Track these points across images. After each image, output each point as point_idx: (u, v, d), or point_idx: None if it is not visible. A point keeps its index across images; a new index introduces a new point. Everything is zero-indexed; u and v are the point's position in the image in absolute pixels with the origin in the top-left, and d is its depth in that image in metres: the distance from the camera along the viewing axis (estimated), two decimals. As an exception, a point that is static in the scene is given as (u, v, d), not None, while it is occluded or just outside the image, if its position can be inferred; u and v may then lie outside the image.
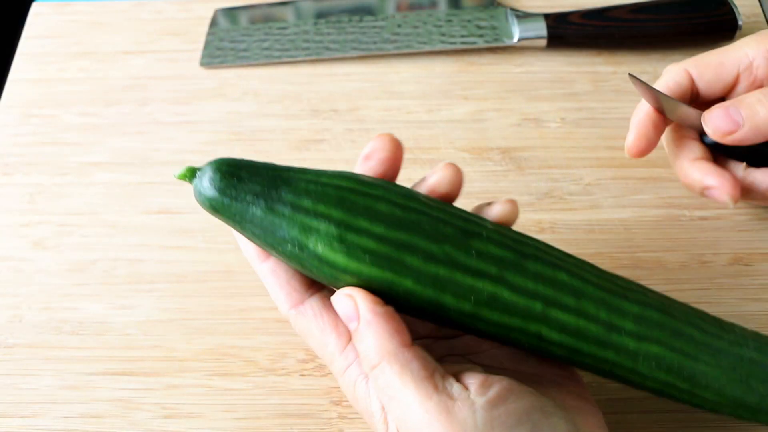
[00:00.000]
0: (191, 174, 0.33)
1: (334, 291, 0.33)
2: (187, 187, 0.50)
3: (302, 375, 0.42)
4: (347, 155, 0.51)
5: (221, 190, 0.32)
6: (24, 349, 0.44)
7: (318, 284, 0.35)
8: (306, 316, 0.34)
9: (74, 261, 0.47)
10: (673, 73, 0.42)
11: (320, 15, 0.58)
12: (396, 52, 0.56)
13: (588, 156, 0.50)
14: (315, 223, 0.31)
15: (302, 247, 0.31)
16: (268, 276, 0.34)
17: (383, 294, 0.32)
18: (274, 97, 0.54)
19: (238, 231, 0.33)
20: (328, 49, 0.56)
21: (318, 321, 0.33)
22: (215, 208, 0.32)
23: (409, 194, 0.33)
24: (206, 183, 0.32)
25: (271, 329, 0.44)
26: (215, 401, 0.41)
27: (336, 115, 0.53)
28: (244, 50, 0.56)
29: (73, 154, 0.52)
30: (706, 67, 0.42)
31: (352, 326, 0.31)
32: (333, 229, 0.31)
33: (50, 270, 0.47)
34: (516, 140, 0.51)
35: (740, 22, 0.53)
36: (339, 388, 0.41)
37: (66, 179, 0.51)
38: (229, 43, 0.57)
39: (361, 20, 0.58)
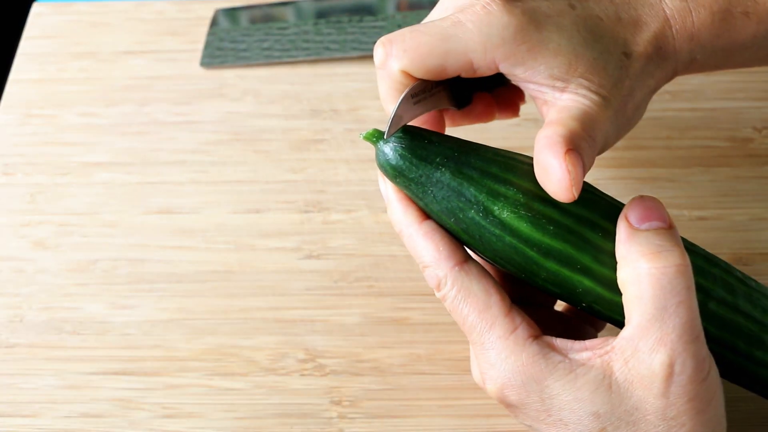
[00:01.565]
0: (378, 135, 0.33)
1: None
2: (187, 187, 0.50)
3: (302, 375, 0.42)
4: (347, 155, 0.51)
5: (411, 149, 0.32)
6: (24, 349, 0.44)
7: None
8: (470, 274, 0.33)
9: (75, 261, 0.47)
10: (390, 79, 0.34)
11: (320, 15, 0.58)
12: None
13: (587, 156, 0.50)
14: (503, 188, 0.32)
15: (487, 213, 0.32)
16: (430, 234, 0.33)
17: (558, 272, 0.32)
18: (274, 97, 0.54)
19: (416, 196, 0.33)
20: (328, 49, 0.56)
21: (483, 280, 0.33)
22: (399, 168, 0.32)
23: None
24: (394, 143, 0.32)
25: (271, 329, 0.44)
26: (215, 401, 0.42)
27: (336, 115, 0.53)
28: (244, 50, 0.57)
29: (74, 154, 0.52)
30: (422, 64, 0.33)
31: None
32: (520, 197, 0.32)
33: (51, 270, 0.47)
34: (516, 140, 0.51)
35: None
36: (339, 388, 0.42)
37: (66, 179, 0.51)
38: (229, 43, 0.57)
39: (361, 20, 0.58)
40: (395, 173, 0.32)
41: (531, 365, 0.31)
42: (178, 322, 0.44)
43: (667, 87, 0.53)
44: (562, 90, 0.33)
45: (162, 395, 0.42)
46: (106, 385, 0.42)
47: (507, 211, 0.31)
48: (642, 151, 0.50)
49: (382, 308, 0.44)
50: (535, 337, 0.32)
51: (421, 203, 0.33)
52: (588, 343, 0.32)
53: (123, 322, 0.44)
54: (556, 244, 0.31)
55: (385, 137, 0.32)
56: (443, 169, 0.32)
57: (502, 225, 0.32)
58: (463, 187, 0.32)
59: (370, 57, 0.56)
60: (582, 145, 0.31)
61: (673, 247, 0.31)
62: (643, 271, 0.30)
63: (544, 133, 0.31)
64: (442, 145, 0.32)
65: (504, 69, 0.33)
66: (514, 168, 0.32)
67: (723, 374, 0.33)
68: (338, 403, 0.41)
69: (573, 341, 0.32)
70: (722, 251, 0.46)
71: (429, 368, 0.42)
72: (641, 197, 0.32)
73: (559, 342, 0.32)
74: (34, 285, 0.46)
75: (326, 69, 0.56)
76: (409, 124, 0.33)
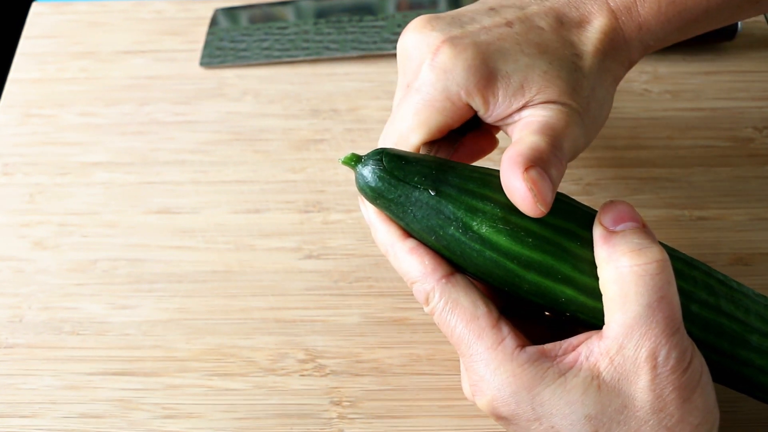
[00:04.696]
0: (356, 159, 0.33)
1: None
2: (187, 187, 0.50)
3: (302, 375, 0.42)
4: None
5: (389, 171, 0.33)
6: (24, 349, 0.44)
7: None
8: (458, 286, 0.33)
9: (74, 261, 0.47)
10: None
11: (320, 15, 0.58)
12: (396, 52, 0.56)
13: (588, 156, 0.50)
14: (480, 204, 0.32)
15: (466, 229, 0.32)
16: (415, 249, 0.34)
17: (539, 282, 0.32)
18: (274, 97, 0.54)
19: (396, 216, 0.33)
20: (328, 49, 0.56)
21: (470, 292, 0.33)
22: (379, 190, 0.33)
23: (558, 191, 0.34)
24: (372, 166, 0.33)
25: (271, 329, 0.44)
26: (215, 401, 0.41)
27: (336, 115, 0.53)
28: (244, 50, 0.56)
29: (74, 154, 0.52)
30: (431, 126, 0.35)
31: None
32: (498, 211, 0.32)
33: (50, 270, 0.47)
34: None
35: (740, 23, 0.53)
36: (339, 388, 0.41)
37: (66, 179, 0.51)
38: (229, 43, 0.57)
39: (361, 20, 0.58)
40: (375, 195, 0.33)
41: (521, 374, 0.31)
42: (177, 322, 0.44)
43: (667, 87, 0.53)
44: (521, 109, 0.33)
45: (161, 396, 0.42)
46: (105, 386, 0.42)
47: (486, 226, 0.32)
48: (643, 151, 0.50)
49: (382, 308, 0.44)
50: (523, 346, 0.32)
51: (402, 223, 0.33)
52: (574, 340, 0.32)
53: (122, 322, 0.44)
54: (535, 256, 0.32)
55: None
56: (421, 189, 0.32)
57: (482, 240, 0.32)
58: (442, 205, 0.32)
59: (370, 57, 0.56)
60: (546, 158, 0.32)
61: (651, 243, 0.31)
62: (625, 269, 0.30)
63: (507, 154, 0.32)
64: (419, 165, 0.33)
65: (475, 106, 0.34)
66: (491, 183, 0.33)
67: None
68: (338, 403, 0.41)
69: (560, 342, 0.32)
70: (723, 251, 0.46)
71: (429, 368, 0.42)
72: (612, 201, 0.33)
73: (547, 346, 0.32)
74: (34, 285, 0.46)
75: (326, 69, 0.56)
76: (389, 146, 0.34)
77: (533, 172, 0.31)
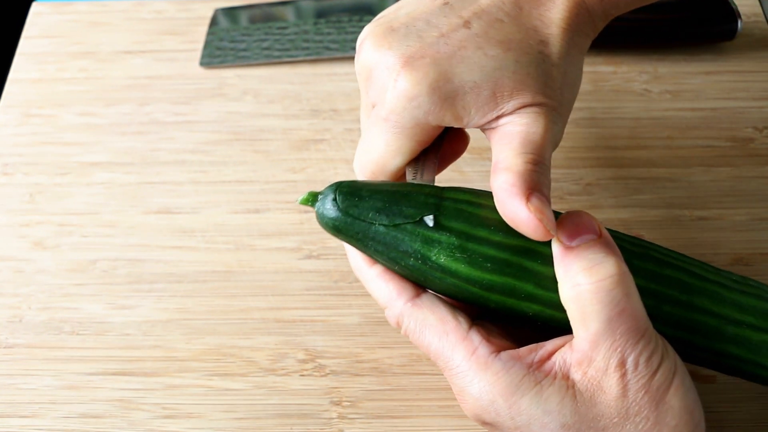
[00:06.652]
0: (313, 198, 0.34)
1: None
2: (187, 188, 0.50)
3: (302, 375, 0.42)
4: (347, 155, 0.51)
5: (344, 210, 0.33)
6: (24, 349, 0.44)
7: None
8: (423, 307, 0.33)
9: (74, 261, 0.47)
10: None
11: (320, 15, 0.58)
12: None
13: (588, 156, 0.50)
14: (436, 235, 0.32)
15: (425, 260, 0.32)
16: (382, 275, 0.34)
17: (504, 301, 0.32)
18: (274, 97, 0.54)
19: (360, 249, 0.34)
20: (328, 49, 0.56)
21: (436, 310, 0.33)
22: (338, 228, 0.33)
23: None
24: (329, 205, 0.33)
25: (271, 329, 0.44)
26: (215, 401, 0.41)
27: (336, 115, 0.53)
28: (244, 50, 0.56)
29: (73, 154, 0.52)
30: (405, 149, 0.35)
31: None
32: (454, 240, 0.32)
33: (50, 270, 0.47)
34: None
35: (740, 23, 0.53)
36: (339, 388, 0.41)
37: (66, 179, 0.51)
38: (229, 42, 0.57)
39: (361, 20, 0.58)
40: (335, 232, 0.33)
41: (496, 382, 0.31)
42: (177, 322, 0.44)
43: (667, 87, 0.53)
44: (498, 117, 0.33)
45: (161, 396, 0.42)
46: (105, 386, 0.42)
47: (443, 256, 0.32)
48: (642, 150, 0.50)
49: (381, 308, 0.44)
50: (498, 353, 0.32)
51: (366, 253, 0.34)
52: (549, 346, 0.32)
53: (122, 322, 0.44)
54: (496, 279, 0.32)
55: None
56: (377, 224, 0.33)
57: (441, 269, 0.32)
58: (398, 240, 0.32)
59: (370, 57, 0.56)
60: (536, 178, 0.31)
61: (605, 258, 0.31)
62: (581, 288, 0.30)
63: (498, 183, 0.31)
64: (373, 199, 0.33)
65: (447, 123, 0.33)
66: (446, 210, 0.33)
67: (685, 361, 0.33)
68: (338, 403, 0.41)
69: (535, 347, 0.32)
70: (723, 251, 0.46)
71: (429, 368, 0.42)
72: (569, 213, 0.32)
73: (522, 351, 0.32)
74: (34, 285, 0.46)
75: (326, 69, 0.56)
76: (346, 180, 0.34)
77: (535, 201, 0.30)
